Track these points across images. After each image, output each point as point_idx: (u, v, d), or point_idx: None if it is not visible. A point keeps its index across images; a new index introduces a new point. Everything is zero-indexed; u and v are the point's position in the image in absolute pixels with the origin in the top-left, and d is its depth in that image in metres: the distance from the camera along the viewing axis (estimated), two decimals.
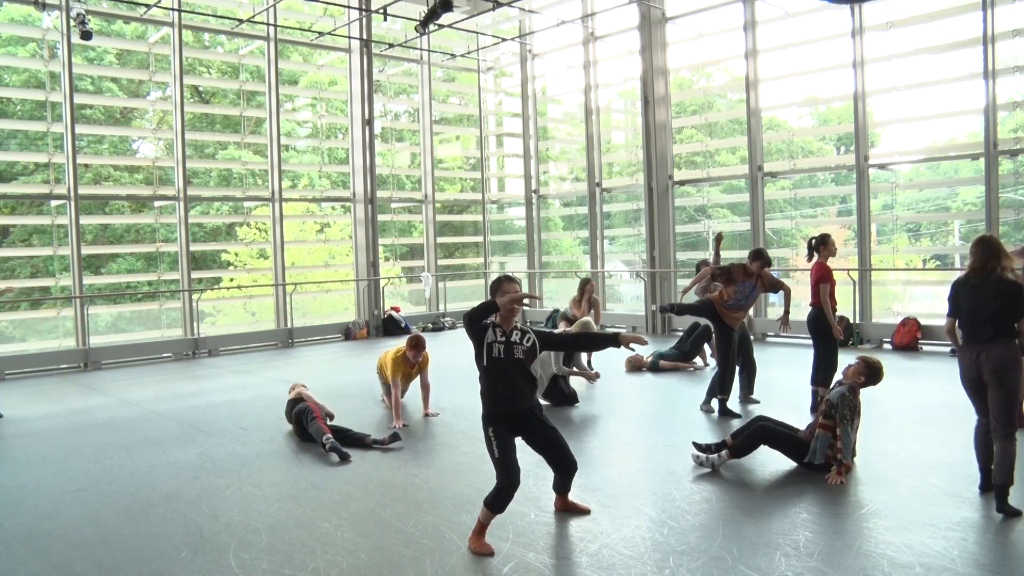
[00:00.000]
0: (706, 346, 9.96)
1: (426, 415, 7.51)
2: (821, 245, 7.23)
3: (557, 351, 7.44)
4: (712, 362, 9.49)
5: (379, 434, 6.59)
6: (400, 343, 7.71)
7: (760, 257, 7.30)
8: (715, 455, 5.48)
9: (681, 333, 10.65)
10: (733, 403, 7.29)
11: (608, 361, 10.26)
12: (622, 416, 7.56)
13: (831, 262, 7.31)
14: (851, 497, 4.89)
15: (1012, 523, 4.32)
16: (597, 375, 8.76)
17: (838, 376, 5.75)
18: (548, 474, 5.56)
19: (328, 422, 6.65)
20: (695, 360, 9.95)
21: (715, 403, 7.28)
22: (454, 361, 9.51)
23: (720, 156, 16.52)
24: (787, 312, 7.55)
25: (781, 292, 7.64)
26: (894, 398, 7.52)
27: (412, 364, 7.42)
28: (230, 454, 6.35)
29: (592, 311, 9.70)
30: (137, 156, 19.90)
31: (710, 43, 14.11)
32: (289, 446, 6.56)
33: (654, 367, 9.78)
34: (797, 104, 14.54)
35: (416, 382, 7.76)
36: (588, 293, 9.81)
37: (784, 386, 8.41)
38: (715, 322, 7.32)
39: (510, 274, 4.51)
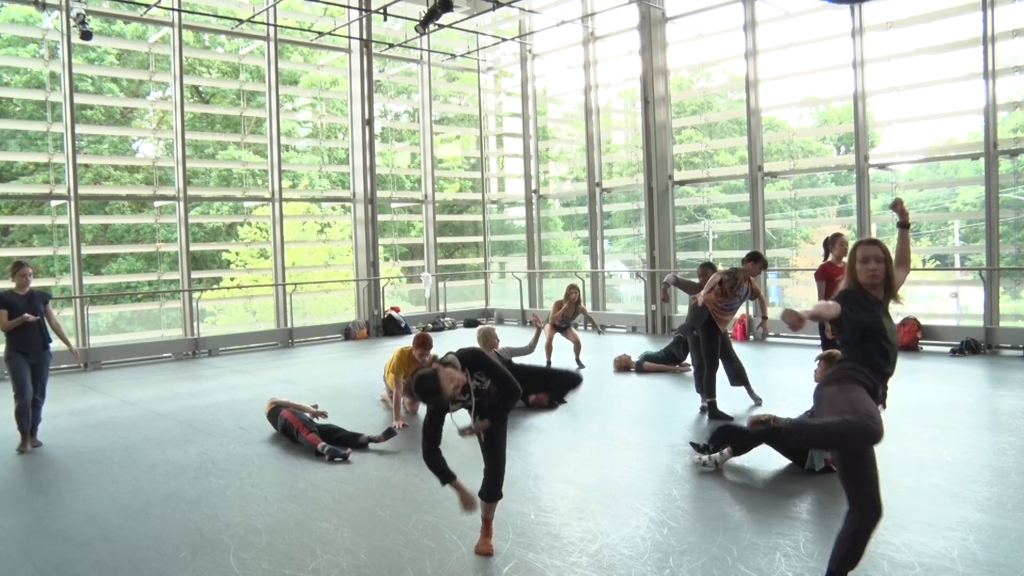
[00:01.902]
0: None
1: None
2: (831, 244, 7.25)
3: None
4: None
5: (375, 433, 6.57)
6: (401, 343, 7.68)
7: (759, 260, 7.31)
8: (717, 454, 5.48)
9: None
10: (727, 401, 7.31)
11: (596, 362, 10.27)
12: (619, 416, 7.54)
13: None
14: None
15: (1013, 523, 4.31)
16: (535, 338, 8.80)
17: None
18: (548, 474, 5.58)
19: (318, 421, 6.68)
20: (684, 361, 9.89)
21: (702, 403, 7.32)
22: None
23: (720, 156, 16.52)
24: (765, 317, 7.62)
25: (758, 299, 7.67)
26: (894, 398, 7.50)
27: (418, 364, 7.21)
28: (230, 454, 6.34)
29: (580, 315, 10.20)
30: (137, 156, 19.91)
31: (710, 43, 14.12)
32: (289, 446, 6.55)
33: (639, 368, 9.77)
34: (797, 104, 14.55)
35: None
36: (573, 299, 10.13)
37: (784, 386, 8.41)
38: (705, 324, 7.33)
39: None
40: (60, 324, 7.03)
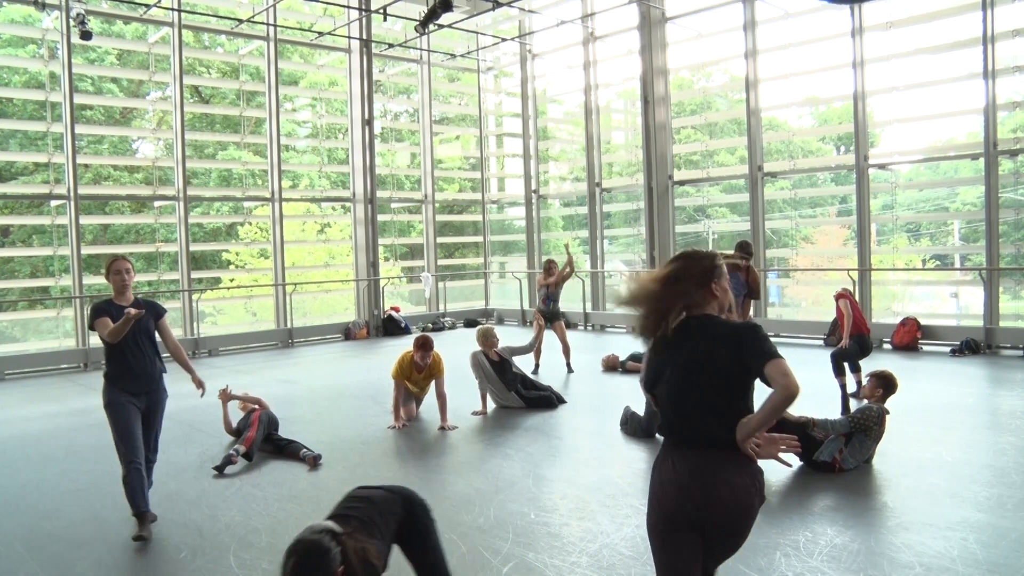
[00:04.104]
0: None
1: (442, 428, 6.88)
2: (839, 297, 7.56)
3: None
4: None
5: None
6: (402, 343, 7.63)
7: (745, 249, 7.23)
8: None
9: None
10: None
11: (586, 361, 10.26)
12: (617, 416, 7.53)
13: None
14: (851, 497, 4.89)
15: (1013, 523, 4.31)
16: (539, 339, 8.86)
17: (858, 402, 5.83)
18: (548, 474, 5.59)
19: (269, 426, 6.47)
20: None
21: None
22: (454, 361, 9.49)
23: (720, 156, 16.52)
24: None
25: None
26: (894, 398, 7.50)
27: (420, 368, 7.06)
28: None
29: (568, 267, 10.39)
30: (137, 156, 19.91)
31: (710, 43, 14.13)
32: None
33: (623, 367, 9.79)
34: (797, 104, 14.56)
35: (432, 393, 7.27)
36: (553, 269, 10.36)
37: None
38: None
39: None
40: (180, 346, 5.31)
